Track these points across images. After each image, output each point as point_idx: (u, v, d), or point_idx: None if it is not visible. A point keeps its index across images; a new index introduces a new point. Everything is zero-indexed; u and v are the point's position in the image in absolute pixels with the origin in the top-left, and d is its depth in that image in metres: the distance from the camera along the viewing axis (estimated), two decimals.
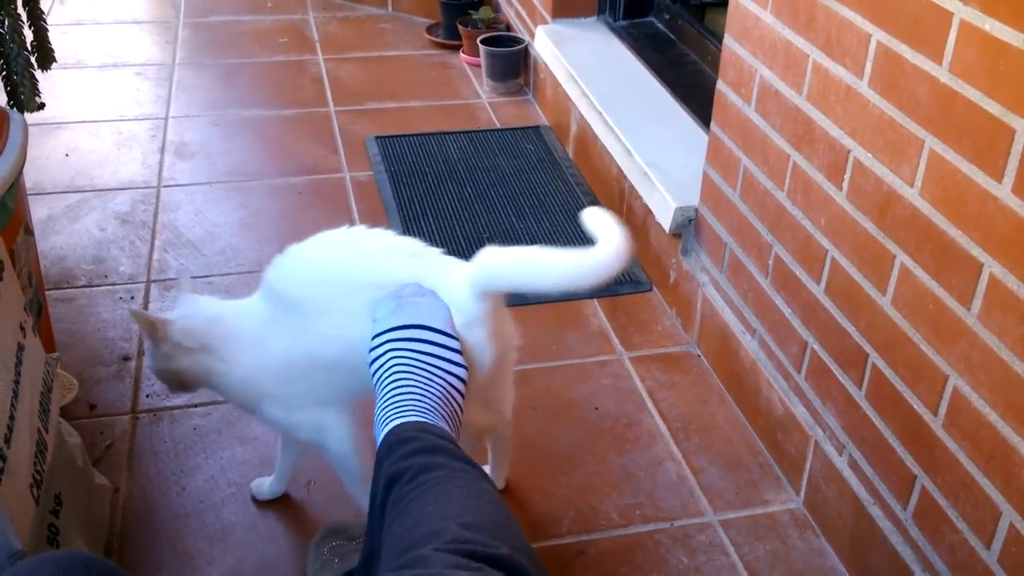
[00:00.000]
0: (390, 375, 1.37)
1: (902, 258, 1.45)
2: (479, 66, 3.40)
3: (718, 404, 2.04)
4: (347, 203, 2.68)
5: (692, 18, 2.82)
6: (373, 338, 1.42)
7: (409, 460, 1.21)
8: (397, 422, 1.29)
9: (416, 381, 1.36)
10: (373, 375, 1.40)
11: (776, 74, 1.75)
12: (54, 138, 2.96)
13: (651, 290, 2.37)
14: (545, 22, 3.09)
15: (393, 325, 1.41)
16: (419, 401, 1.33)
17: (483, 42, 3.32)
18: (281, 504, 1.77)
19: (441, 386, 1.37)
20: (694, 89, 2.57)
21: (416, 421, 1.30)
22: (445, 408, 1.35)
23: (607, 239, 1.37)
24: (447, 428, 1.32)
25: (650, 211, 2.29)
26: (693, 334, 2.19)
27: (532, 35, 3.21)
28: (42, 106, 1.97)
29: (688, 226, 2.16)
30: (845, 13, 1.52)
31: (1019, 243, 1.22)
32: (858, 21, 1.49)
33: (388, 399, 1.34)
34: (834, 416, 1.68)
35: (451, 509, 1.12)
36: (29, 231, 1.86)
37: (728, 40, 1.92)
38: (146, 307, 2.25)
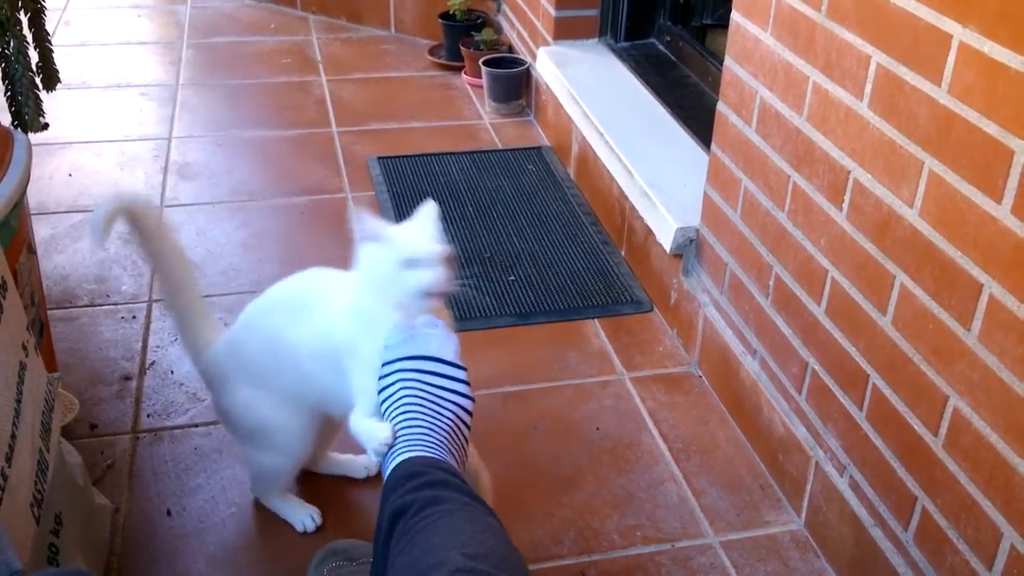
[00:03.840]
0: (400, 406, 1.38)
1: (902, 279, 1.45)
2: (481, 87, 3.41)
3: (719, 425, 2.03)
4: (349, 223, 2.68)
5: (693, 40, 2.83)
6: (383, 366, 1.43)
7: (416, 494, 1.21)
8: (405, 456, 1.30)
9: (425, 414, 1.36)
10: (382, 403, 1.41)
11: (776, 95, 1.75)
12: (58, 158, 2.97)
13: (652, 310, 2.37)
14: (547, 44, 3.11)
15: (404, 355, 1.42)
16: (428, 435, 1.34)
17: (485, 63, 3.34)
18: (281, 525, 1.76)
19: (449, 419, 1.38)
20: (695, 110, 2.58)
21: (424, 456, 1.31)
22: (453, 442, 1.36)
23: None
24: (454, 462, 1.33)
25: (651, 231, 2.30)
26: (694, 354, 2.19)
27: (534, 57, 3.22)
28: (46, 126, 1.98)
29: (689, 246, 2.17)
30: (845, 35, 1.53)
31: (1018, 263, 1.22)
32: (858, 43, 1.50)
33: (397, 431, 1.35)
34: (835, 437, 1.68)
35: (456, 540, 1.12)
36: (32, 250, 1.86)
37: (729, 62, 1.93)
38: (147, 327, 2.25)
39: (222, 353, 1.68)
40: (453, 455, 1.34)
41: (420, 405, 1.37)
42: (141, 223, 1.63)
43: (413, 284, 1.41)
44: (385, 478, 1.31)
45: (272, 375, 1.62)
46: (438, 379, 1.40)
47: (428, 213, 1.52)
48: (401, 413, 1.37)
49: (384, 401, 1.40)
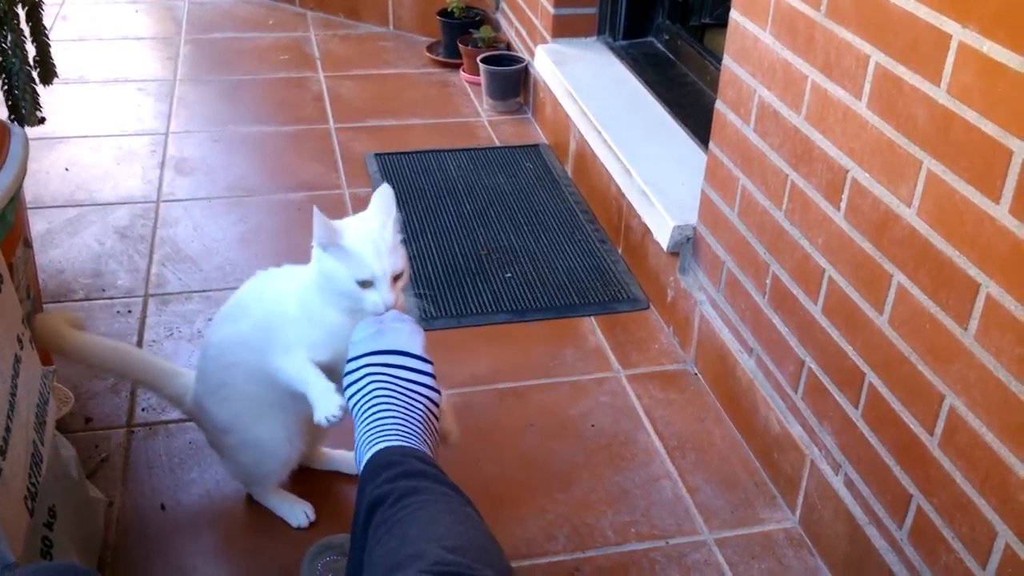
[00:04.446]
0: (370, 398, 1.36)
1: (899, 278, 1.45)
2: (479, 84, 3.41)
3: (715, 423, 2.03)
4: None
5: (691, 38, 2.83)
6: (349, 361, 1.42)
7: (393, 484, 1.20)
8: (380, 446, 1.29)
9: (397, 404, 1.35)
10: (350, 397, 1.40)
11: (775, 94, 1.75)
12: (55, 152, 2.96)
13: (648, 308, 2.37)
14: (545, 41, 3.11)
15: (372, 350, 1.41)
16: (402, 425, 1.33)
17: (483, 61, 3.33)
18: (275, 520, 1.76)
19: (422, 410, 1.37)
20: (693, 109, 2.58)
21: (400, 445, 1.29)
22: (426, 432, 1.35)
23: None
24: (428, 452, 1.32)
25: (648, 229, 2.30)
26: (690, 352, 2.19)
27: (532, 54, 3.22)
28: (43, 120, 1.98)
29: (686, 245, 2.17)
30: (844, 35, 1.53)
31: (1016, 263, 1.22)
32: (857, 43, 1.50)
33: (370, 422, 1.34)
34: (830, 435, 1.68)
35: (435, 532, 1.12)
36: (28, 244, 1.86)
37: (727, 61, 1.93)
38: (143, 322, 2.25)
39: (193, 386, 1.71)
40: (428, 444, 1.33)
41: (391, 397, 1.36)
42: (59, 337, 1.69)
43: (368, 304, 1.45)
44: (360, 468, 1.30)
45: (227, 384, 1.63)
46: (407, 372, 1.39)
47: (383, 198, 1.51)
48: (373, 405, 1.35)
49: (353, 395, 1.39)
